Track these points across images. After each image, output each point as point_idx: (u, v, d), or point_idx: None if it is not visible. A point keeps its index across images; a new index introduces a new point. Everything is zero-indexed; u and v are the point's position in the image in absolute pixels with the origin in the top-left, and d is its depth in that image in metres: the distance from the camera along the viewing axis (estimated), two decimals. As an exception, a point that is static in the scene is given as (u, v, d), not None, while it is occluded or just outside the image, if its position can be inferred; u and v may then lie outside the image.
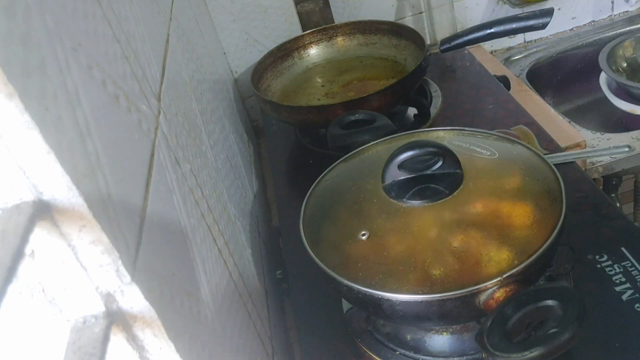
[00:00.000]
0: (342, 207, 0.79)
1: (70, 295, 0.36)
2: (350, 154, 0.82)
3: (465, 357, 0.68)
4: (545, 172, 0.72)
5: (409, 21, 1.40)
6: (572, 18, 1.49)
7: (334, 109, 1.02)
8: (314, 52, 1.31)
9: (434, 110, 1.14)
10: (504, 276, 0.58)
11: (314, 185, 0.78)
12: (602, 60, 1.26)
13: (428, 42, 1.38)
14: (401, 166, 0.72)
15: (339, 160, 0.81)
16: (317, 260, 0.67)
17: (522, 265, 0.60)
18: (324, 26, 1.30)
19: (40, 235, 0.34)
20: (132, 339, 0.39)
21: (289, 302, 0.92)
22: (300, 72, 1.29)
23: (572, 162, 0.94)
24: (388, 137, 0.84)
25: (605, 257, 0.77)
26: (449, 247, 0.70)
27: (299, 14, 1.32)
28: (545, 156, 0.92)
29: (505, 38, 1.43)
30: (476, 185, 0.78)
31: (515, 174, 0.77)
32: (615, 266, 0.75)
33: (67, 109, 0.35)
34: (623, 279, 0.73)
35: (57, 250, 0.35)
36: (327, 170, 0.80)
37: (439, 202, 0.75)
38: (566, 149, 1.00)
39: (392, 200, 0.73)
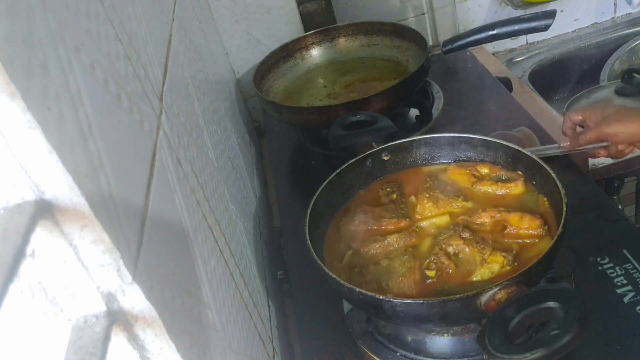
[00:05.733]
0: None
1: (71, 295, 0.36)
2: (356, 159, 0.82)
3: (466, 359, 0.68)
4: (546, 177, 0.72)
5: (411, 22, 1.40)
6: (575, 20, 1.49)
7: (335, 110, 1.02)
8: (316, 52, 1.31)
9: (435, 111, 1.14)
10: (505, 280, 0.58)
11: (320, 189, 0.77)
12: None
13: (430, 43, 1.38)
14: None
15: (345, 164, 0.81)
16: (319, 262, 0.67)
17: (524, 268, 0.60)
18: (326, 27, 1.30)
19: (42, 235, 0.34)
20: (133, 338, 0.39)
21: (290, 302, 0.92)
22: (303, 73, 1.29)
23: (573, 163, 0.94)
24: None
25: (607, 260, 0.76)
26: (450, 249, 0.70)
27: (302, 15, 1.33)
28: (531, 149, 0.93)
29: (508, 39, 1.43)
30: (478, 191, 0.78)
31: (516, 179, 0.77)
32: (617, 268, 0.75)
33: (69, 108, 0.35)
34: (624, 281, 0.73)
35: (59, 249, 0.35)
36: (333, 174, 0.80)
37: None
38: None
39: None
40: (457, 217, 0.74)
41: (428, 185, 0.79)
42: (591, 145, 0.86)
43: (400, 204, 0.79)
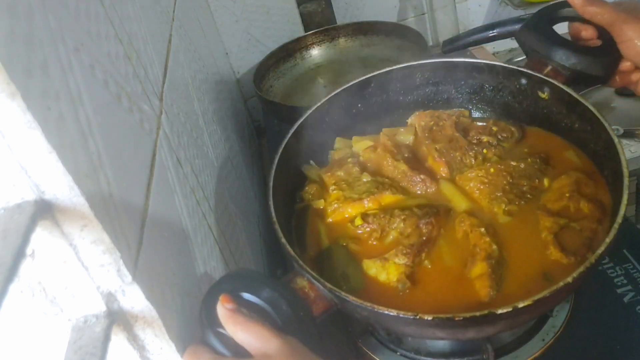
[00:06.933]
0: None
1: (71, 295, 0.36)
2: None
3: (466, 358, 0.68)
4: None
5: (411, 22, 1.40)
6: (575, 20, 1.49)
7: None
8: (316, 52, 1.31)
9: (435, 111, 1.14)
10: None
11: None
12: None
13: (430, 43, 1.38)
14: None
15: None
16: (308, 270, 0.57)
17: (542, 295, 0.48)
18: (326, 27, 1.30)
19: (42, 235, 0.34)
20: (133, 338, 0.39)
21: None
22: (303, 73, 1.29)
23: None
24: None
25: (607, 259, 0.76)
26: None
27: (301, 15, 1.32)
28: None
29: (508, 40, 1.42)
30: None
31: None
32: (617, 268, 0.75)
33: (69, 108, 0.35)
34: (625, 281, 0.73)
35: (59, 249, 0.35)
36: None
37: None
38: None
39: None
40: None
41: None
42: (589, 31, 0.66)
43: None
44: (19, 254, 0.30)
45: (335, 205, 0.64)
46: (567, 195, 0.60)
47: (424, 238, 0.59)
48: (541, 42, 0.67)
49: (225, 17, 1.31)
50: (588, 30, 0.68)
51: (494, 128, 0.69)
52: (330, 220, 0.64)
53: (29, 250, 0.34)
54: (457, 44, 1.15)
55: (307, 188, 0.68)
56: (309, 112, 0.69)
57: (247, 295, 0.49)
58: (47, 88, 0.33)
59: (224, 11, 1.30)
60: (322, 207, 0.65)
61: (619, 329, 0.68)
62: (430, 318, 0.46)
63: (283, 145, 0.66)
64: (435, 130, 0.69)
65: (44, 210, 0.33)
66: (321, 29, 1.30)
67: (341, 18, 1.35)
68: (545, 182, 0.63)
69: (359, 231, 0.61)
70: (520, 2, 1.40)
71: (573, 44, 0.68)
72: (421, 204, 0.63)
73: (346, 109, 0.72)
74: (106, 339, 0.36)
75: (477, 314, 0.46)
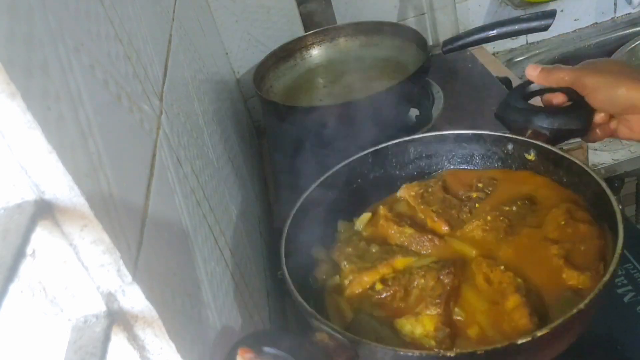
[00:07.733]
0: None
1: (71, 295, 0.36)
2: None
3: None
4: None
5: (411, 22, 1.40)
6: (575, 20, 1.49)
7: (335, 110, 1.02)
8: (316, 52, 1.31)
9: (435, 111, 1.14)
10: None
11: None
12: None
13: (430, 43, 1.38)
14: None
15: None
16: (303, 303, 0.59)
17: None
18: (326, 27, 1.30)
19: (42, 235, 0.34)
20: (133, 338, 0.39)
21: (290, 302, 0.92)
22: (303, 73, 1.29)
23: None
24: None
25: (607, 259, 0.76)
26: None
27: (301, 15, 1.32)
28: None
29: (508, 39, 1.43)
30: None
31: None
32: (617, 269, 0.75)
33: (69, 108, 0.35)
34: (625, 281, 0.73)
35: (59, 249, 0.35)
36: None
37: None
38: (568, 150, 0.99)
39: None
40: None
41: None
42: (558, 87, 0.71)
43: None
44: (19, 254, 0.30)
45: (351, 278, 0.65)
46: (562, 223, 0.64)
47: (449, 288, 0.60)
48: (519, 114, 0.74)
49: (225, 17, 1.31)
50: (558, 97, 0.73)
51: (480, 184, 0.74)
52: (348, 292, 0.65)
53: (29, 250, 0.34)
54: (457, 44, 1.15)
55: (318, 269, 0.70)
56: (308, 191, 0.72)
57: (267, 349, 0.50)
58: (47, 88, 0.33)
59: (224, 11, 1.30)
60: (338, 283, 0.67)
61: (619, 329, 0.68)
62: (452, 354, 0.47)
63: (287, 225, 0.68)
64: (426, 196, 0.73)
65: (44, 210, 0.33)
66: (321, 29, 1.30)
67: (341, 18, 1.35)
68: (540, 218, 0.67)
69: (383, 295, 0.62)
70: (520, 2, 1.40)
71: (547, 108, 0.74)
72: (434, 260, 0.65)
73: (346, 186, 0.75)
74: (106, 339, 0.36)
75: (499, 346, 0.47)
